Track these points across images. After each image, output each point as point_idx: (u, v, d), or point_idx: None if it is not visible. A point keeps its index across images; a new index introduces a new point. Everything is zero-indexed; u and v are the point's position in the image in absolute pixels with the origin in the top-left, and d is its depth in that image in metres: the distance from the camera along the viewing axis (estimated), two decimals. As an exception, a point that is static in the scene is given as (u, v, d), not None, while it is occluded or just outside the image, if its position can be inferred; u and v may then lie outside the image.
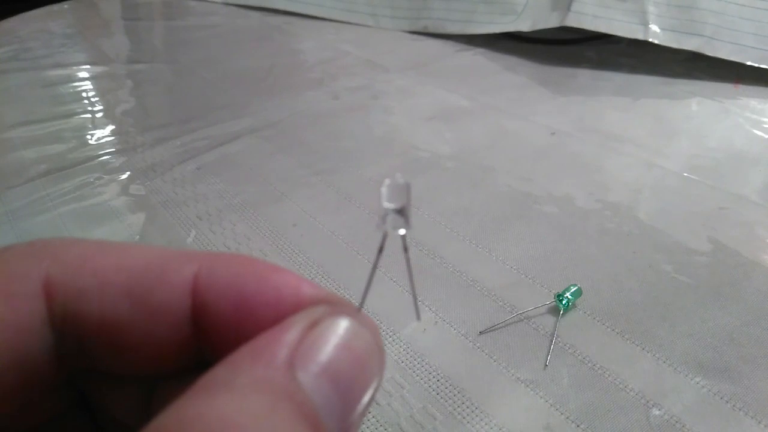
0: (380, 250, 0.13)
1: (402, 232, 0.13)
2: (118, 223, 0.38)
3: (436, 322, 0.30)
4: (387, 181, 0.13)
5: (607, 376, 0.26)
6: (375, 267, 0.13)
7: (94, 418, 0.14)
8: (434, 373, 0.27)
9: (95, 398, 0.13)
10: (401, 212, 0.13)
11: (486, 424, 0.24)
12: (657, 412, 0.25)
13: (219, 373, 0.10)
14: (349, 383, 0.10)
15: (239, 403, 0.09)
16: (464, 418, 0.25)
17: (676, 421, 0.24)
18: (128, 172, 0.44)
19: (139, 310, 0.11)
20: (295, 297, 0.12)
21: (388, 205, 0.13)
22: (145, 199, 0.40)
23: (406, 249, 0.13)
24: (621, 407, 0.25)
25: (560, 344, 0.28)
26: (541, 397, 0.25)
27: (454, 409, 0.25)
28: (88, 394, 0.13)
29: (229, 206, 0.39)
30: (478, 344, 0.28)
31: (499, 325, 0.29)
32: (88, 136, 0.49)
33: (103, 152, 0.46)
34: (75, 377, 0.13)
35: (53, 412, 0.13)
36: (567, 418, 0.25)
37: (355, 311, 0.11)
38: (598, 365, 0.27)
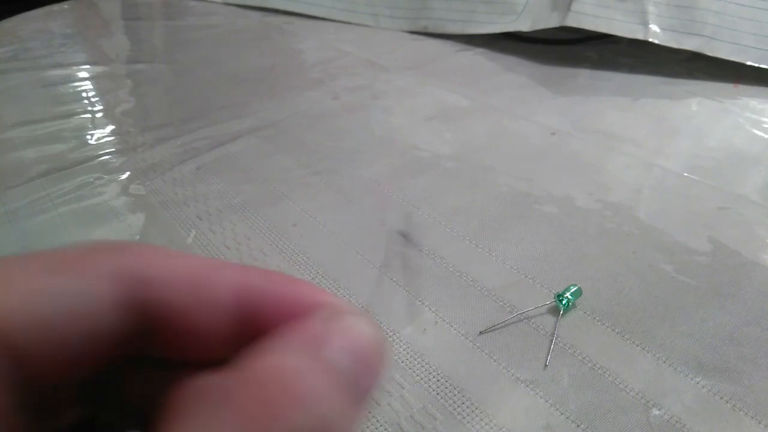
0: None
1: None
2: (118, 223, 0.38)
3: (436, 322, 0.30)
4: None
5: (607, 376, 0.26)
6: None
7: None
8: (434, 373, 0.27)
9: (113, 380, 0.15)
10: None
11: (486, 424, 0.24)
12: (657, 412, 0.25)
13: (261, 344, 0.12)
14: (362, 361, 0.13)
15: (284, 358, 0.11)
16: (464, 418, 0.25)
17: (676, 421, 0.24)
18: (128, 172, 0.44)
19: (199, 302, 0.14)
20: (312, 302, 0.14)
21: None
22: (145, 199, 0.40)
23: None
24: (621, 407, 0.25)
25: (560, 344, 0.28)
26: (541, 397, 0.25)
27: (454, 409, 0.25)
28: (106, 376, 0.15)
29: (229, 206, 0.39)
30: (478, 344, 0.28)
31: (499, 325, 0.29)
32: (88, 136, 0.49)
33: (103, 152, 0.46)
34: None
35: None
36: (567, 418, 0.25)
37: (361, 312, 0.14)
38: (598, 365, 0.27)
